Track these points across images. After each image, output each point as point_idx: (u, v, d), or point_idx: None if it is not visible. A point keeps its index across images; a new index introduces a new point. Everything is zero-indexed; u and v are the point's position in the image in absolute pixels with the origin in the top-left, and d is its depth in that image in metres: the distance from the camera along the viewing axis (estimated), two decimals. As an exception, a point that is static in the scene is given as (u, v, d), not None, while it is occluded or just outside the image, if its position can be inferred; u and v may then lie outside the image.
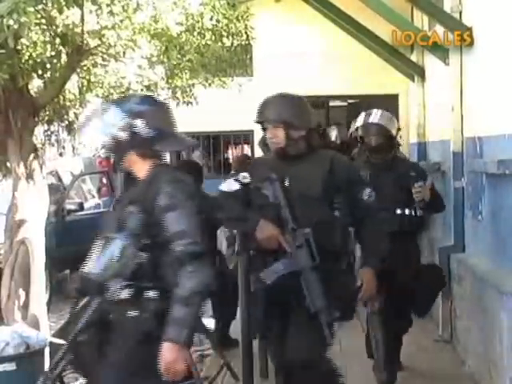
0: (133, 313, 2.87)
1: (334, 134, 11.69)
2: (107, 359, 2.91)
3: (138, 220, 2.85)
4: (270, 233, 3.51)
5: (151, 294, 2.86)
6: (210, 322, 5.78)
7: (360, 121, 5.03)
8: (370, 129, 4.93)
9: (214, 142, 12.39)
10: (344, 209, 3.62)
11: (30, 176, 5.32)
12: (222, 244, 7.54)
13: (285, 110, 3.63)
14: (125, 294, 2.86)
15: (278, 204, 3.53)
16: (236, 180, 3.70)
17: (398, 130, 5.08)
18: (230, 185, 3.71)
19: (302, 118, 3.65)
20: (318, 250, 3.43)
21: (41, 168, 5.55)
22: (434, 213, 5.52)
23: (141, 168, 3.01)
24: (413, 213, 4.86)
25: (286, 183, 3.58)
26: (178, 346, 2.76)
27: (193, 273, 2.75)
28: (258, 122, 3.73)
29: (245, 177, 3.69)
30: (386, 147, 4.92)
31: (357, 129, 5.08)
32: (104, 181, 12.29)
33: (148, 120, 2.95)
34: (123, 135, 2.94)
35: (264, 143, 7.82)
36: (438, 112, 7.22)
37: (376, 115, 4.95)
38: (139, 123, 2.93)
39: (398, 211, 4.83)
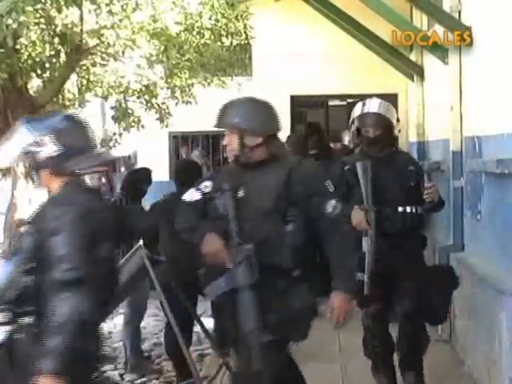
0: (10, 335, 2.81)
1: (347, 138, 11.65)
2: None
3: (32, 241, 2.79)
4: (215, 247, 3.37)
5: (27, 319, 2.80)
6: (209, 322, 5.77)
7: (357, 111, 4.57)
8: (367, 119, 4.49)
9: (213, 142, 12.38)
10: (298, 222, 3.37)
11: (29, 175, 5.31)
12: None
13: (240, 115, 3.44)
14: (0, 317, 2.82)
15: (227, 216, 3.36)
16: (197, 189, 3.55)
17: (398, 120, 4.66)
18: (191, 194, 3.57)
19: (258, 125, 3.43)
20: (264, 266, 3.27)
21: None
22: (435, 211, 5.18)
23: (54, 186, 2.95)
24: (414, 210, 4.54)
25: (241, 194, 3.40)
26: (49, 377, 2.66)
27: (66, 300, 2.65)
28: (217, 127, 3.56)
29: (206, 186, 3.55)
30: (384, 139, 4.49)
31: (353, 121, 4.60)
32: (103, 180, 12.29)
33: (60, 137, 2.87)
34: (35, 152, 2.89)
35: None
36: (437, 111, 7.22)
37: (374, 104, 4.54)
38: (50, 140, 2.87)
39: (400, 209, 4.50)
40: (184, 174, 5.58)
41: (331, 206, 3.38)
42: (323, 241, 3.41)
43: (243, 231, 3.34)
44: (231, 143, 3.47)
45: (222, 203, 3.39)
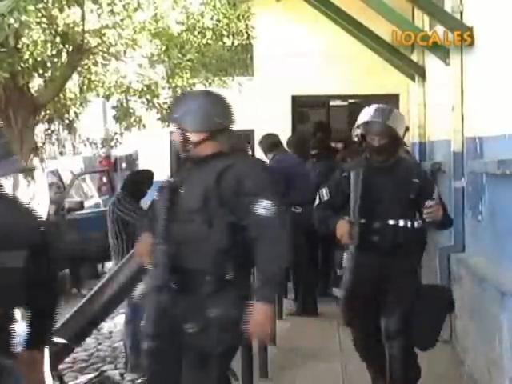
0: None
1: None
2: None
3: None
4: (142, 246, 3.34)
5: None
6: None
7: (364, 117, 4.31)
8: (373, 127, 4.23)
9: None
10: (225, 224, 3.15)
11: (30, 175, 5.32)
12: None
13: (182, 111, 3.31)
14: None
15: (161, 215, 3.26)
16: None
17: (406, 129, 4.46)
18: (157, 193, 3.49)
19: (200, 120, 3.26)
20: (186, 269, 3.14)
21: (41, 167, 5.56)
22: (439, 230, 4.72)
23: None
24: (409, 224, 4.19)
25: (182, 191, 3.27)
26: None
27: None
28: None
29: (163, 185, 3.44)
30: (389, 149, 4.26)
31: (358, 126, 4.36)
32: (104, 180, 12.30)
33: None
34: None
35: (267, 143, 7.84)
36: (438, 112, 7.22)
37: (383, 112, 4.27)
38: None
39: (391, 222, 4.17)
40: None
41: (262, 207, 3.11)
42: (253, 244, 3.13)
43: (171, 231, 3.20)
44: (176, 139, 3.34)
45: (160, 202, 3.29)
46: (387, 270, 4.19)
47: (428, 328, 4.22)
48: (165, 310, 3.21)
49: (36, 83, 6.25)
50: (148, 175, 6.50)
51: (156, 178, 6.58)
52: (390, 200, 4.18)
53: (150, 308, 3.29)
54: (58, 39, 5.59)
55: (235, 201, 3.16)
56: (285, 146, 7.83)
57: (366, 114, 4.30)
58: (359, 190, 4.15)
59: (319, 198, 4.41)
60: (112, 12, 5.70)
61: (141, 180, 6.45)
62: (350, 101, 12.70)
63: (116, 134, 8.25)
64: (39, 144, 6.36)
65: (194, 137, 3.26)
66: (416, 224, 4.21)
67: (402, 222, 4.18)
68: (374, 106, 4.34)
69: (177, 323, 3.19)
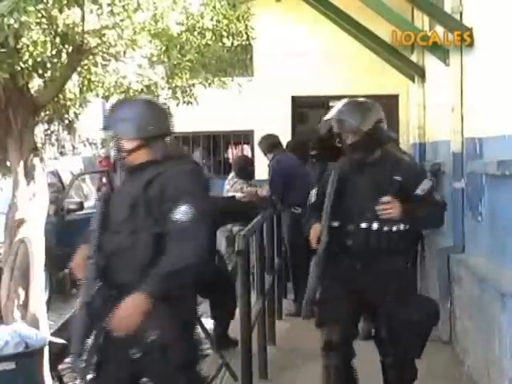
0: None
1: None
2: None
3: None
4: (76, 260, 3.25)
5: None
6: (208, 323, 5.79)
7: (332, 113, 4.03)
8: (343, 124, 3.91)
9: (214, 142, 12.39)
10: (149, 234, 3.04)
11: (30, 175, 5.32)
12: (222, 244, 7.55)
13: (114, 118, 3.24)
14: None
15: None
16: None
17: (378, 122, 3.93)
18: None
19: (131, 128, 3.17)
20: (116, 284, 3.03)
21: (41, 167, 5.56)
22: (426, 228, 4.42)
23: None
24: (385, 228, 3.84)
25: (113, 202, 3.21)
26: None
27: None
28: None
29: None
30: (364, 145, 3.89)
31: (326, 120, 4.07)
32: (104, 180, 12.30)
33: None
34: None
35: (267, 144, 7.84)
36: (438, 112, 7.22)
37: (352, 109, 3.95)
38: None
39: (363, 225, 3.85)
40: None
41: (180, 212, 3.00)
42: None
43: (102, 244, 3.10)
44: (113, 146, 3.29)
45: (95, 214, 3.20)
46: (365, 276, 3.88)
47: (416, 337, 3.93)
48: (106, 333, 3.02)
49: (36, 83, 6.23)
50: None
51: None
52: (366, 200, 3.85)
53: (76, 328, 3.08)
54: (57, 40, 5.58)
55: (160, 210, 3.05)
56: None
57: (335, 110, 4.01)
58: (333, 189, 3.91)
59: (309, 199, 4.28)
60: (112, 12, 5.68)
61: None
62: (350, 101, 12.73)
63: (116, 134, 8.23)
64: (39, 144, 6.35)
65: (127, 145, 3.19)
66: (395, 227, 3.84)
67: (375, 225, 3.85)
68: (343, 101, 4.09)
69: (120, 349, 3.02)
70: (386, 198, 3.80)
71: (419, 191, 3.93)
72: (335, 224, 3.93)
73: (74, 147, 7.29)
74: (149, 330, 3.00)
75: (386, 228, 3.86)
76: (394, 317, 3.87)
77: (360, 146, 3.91)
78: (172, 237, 3.00)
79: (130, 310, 2.94)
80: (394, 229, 3.87)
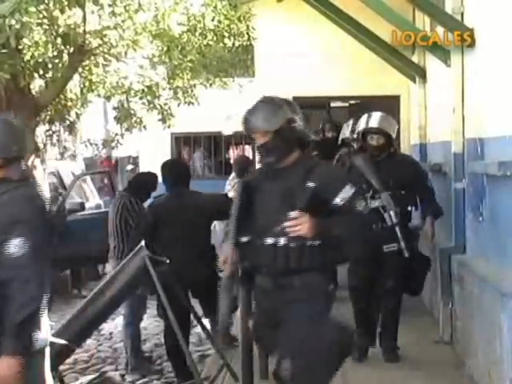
0: None
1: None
2: None
3: None
4: None
5: None
6: (207, 323, 5.78)
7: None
8: (244, 125, 3.62)
9: (215, 143, 12.38)
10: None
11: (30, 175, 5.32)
12: (219, 239, 7.49)
13: None
14: None
15: None
16: None
17: (291, 122, 3.62)
18: None
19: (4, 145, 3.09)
20: None
21: (42, 168, 5.56)
22: (346, 243, 3.55)
23: None
24: (293, 244, 3.38)
25: None
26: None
27: None
28: None
29: None
30: (272, 148, 3.53)
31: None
32: (105, 181, 12.31)
33: None
34: None
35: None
36: (439, 113, 7.22)
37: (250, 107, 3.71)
38: None
39: (269, 241, 3.44)
40: (174, 173, 5.64)
41: (13, 245, 2.92)
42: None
43: None
44: None
45: None
46: (277, 297, 3.44)
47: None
48: None
49: (37, 84, 6.25)
50: (153, 177, 6.52)
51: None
52: (273, 212, 3.41)
53: None
54: (59, 40, 5.60)
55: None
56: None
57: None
58: (239, 201, 3.50)
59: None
60: (113, 13, 5.70)
61: (146, 182, 6.48)
62: (351, 102, 12.72)
63: (117, 135, 8.26)
64: (40, 145, 6.38)
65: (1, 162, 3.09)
66: (309, 242, 3.35)
67: (282, 241, 3.38)
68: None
69: None
70: (294, 213, 3.31)
71: (338, 200, 3.41)
72: (244, 239, 3.51)
73: (74, 148, 7.29)
74: None
75: (293, 244, 3.38)
76: (292, 342, 3.37)
77: (269, 148, 3.51)
78: (8, 275, 2.91)
79: (10, 379, 2.92)
80: (308, 244, 3.38)
